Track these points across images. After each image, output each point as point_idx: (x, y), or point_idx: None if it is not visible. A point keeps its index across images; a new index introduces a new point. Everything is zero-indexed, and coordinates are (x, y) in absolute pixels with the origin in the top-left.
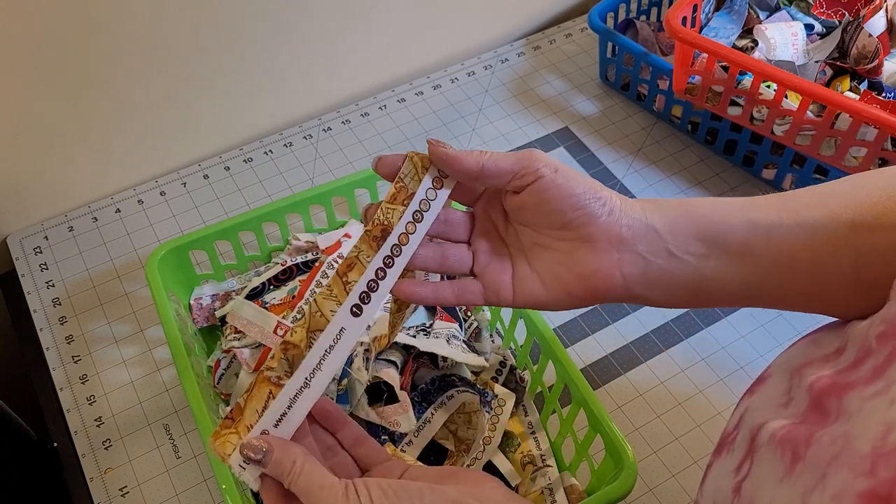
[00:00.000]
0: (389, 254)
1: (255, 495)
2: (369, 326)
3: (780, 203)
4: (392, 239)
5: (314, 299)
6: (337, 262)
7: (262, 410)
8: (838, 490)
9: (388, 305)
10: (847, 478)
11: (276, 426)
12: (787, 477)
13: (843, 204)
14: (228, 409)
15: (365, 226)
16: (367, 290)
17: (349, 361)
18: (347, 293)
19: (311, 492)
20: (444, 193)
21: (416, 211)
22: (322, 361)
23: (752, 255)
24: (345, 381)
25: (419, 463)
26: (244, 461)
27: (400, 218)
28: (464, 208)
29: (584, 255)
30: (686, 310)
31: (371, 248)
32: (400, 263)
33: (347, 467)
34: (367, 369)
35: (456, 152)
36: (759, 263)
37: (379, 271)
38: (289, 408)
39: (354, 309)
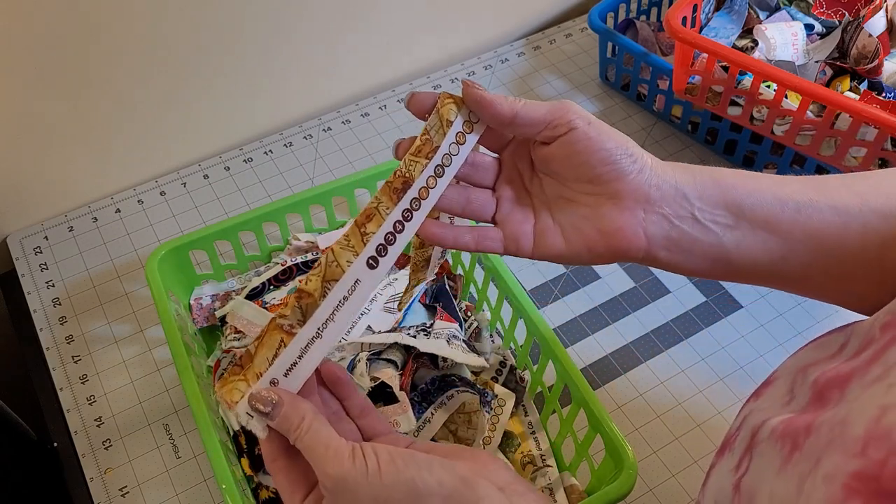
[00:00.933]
0: (408, 207)
1: (256, 495)
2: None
3: (811, 184)
4: (412, 192)
5: (331, 248)
6: None
7: (273, 359)
8: (829, 471)
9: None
10: (839, 460)
11: (285, 376)
12: (784, 467)
13: (875, 192)
14: (238, 356)
15: (396, 156)
16: (384, 242)
17: (351, 367)
18: (364, 244)
19: (317, 450)
20: (473, 138)
21: (439, 165)
22: (335, 312)
23: (778, 231)
24: None
25: None
26: (251, 410)
27: (422, 172)
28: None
29: (610, 210)
30: (686, 310)
31: (391, 199)
32: (418, 217)
33: (352, 433)
34: (368, 374)
35: (491, 96)
36: (784, 240)
37: (397, 224)
38: (299, 357)
39: (370, 261)
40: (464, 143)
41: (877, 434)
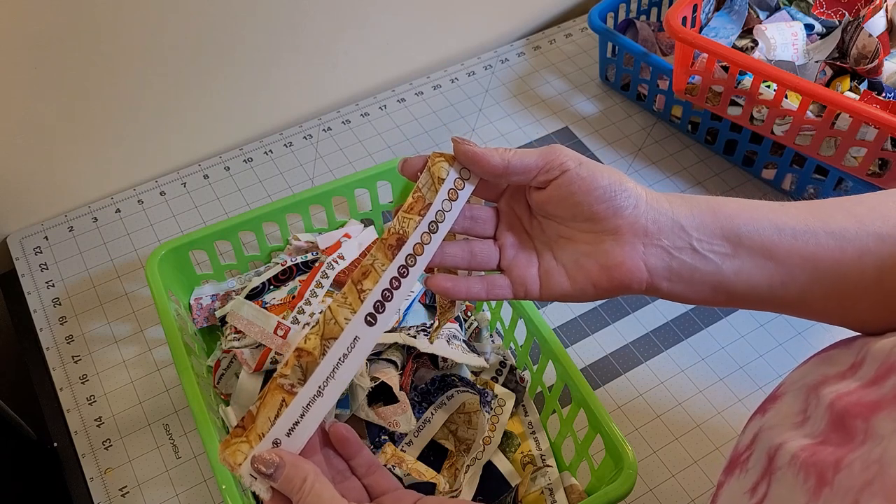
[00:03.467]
0: (404, 263)
1: (256, 497)
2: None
3: (807, 209)
4: (406, 249)
5: (329, 307)
6: (337, 262)
7: (275, 419)
8: None
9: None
10: None
11: (288, 435)
12: (812, 502)
13: (871, 215)
14: (240, 418)
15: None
16: (381, 299)
17: None
18: (362, 301)
19: None
20: (466, 192)
21: (432, 222)
22: (336, 370)
23: (776, 257)
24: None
25: (428, 470)
26: (254, 472)
27: (415, 228)
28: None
29: (610, 246)
30: (686, 310)
31: (386, 256)
32: (414, 273)
33: (357, 492)
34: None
35: (481, 151)
36: (782, 267)
37: (393, 280)
38: (301, 416)
39: (369, 318)
40: (456, 199)
41: None
